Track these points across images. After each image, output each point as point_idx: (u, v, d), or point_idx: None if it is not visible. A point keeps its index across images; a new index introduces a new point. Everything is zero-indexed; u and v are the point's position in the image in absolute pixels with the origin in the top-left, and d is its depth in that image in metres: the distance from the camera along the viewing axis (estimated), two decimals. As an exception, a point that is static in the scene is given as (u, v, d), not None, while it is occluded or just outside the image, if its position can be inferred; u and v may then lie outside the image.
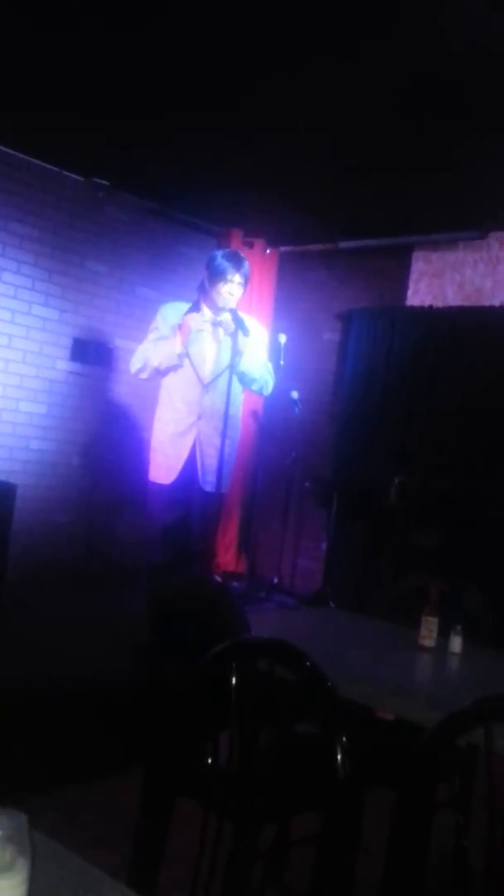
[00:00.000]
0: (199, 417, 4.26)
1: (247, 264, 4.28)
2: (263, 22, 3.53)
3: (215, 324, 4.26)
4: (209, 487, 4.24)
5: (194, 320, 4.23)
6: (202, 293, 4.30)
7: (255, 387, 4.43)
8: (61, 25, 3.79)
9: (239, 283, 4.21)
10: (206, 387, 4.27)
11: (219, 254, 4.33)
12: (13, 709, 3.34)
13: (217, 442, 4.21)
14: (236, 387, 4.34)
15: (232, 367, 4.21)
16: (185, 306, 4.34)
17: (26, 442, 5.89)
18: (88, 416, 6.24)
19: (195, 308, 4.29)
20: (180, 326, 4.21)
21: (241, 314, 4.27)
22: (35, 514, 5.88)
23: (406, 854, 1.28)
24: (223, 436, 4.18)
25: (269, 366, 4.47)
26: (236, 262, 4.22)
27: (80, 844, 2.78)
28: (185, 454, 4.27)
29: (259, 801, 1.95)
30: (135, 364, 4.37)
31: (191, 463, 4.27)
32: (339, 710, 1.54)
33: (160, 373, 4.31)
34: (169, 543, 4.35)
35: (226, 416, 4.16)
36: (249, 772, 1.86)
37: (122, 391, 6.34)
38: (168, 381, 4.34)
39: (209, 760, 1.96)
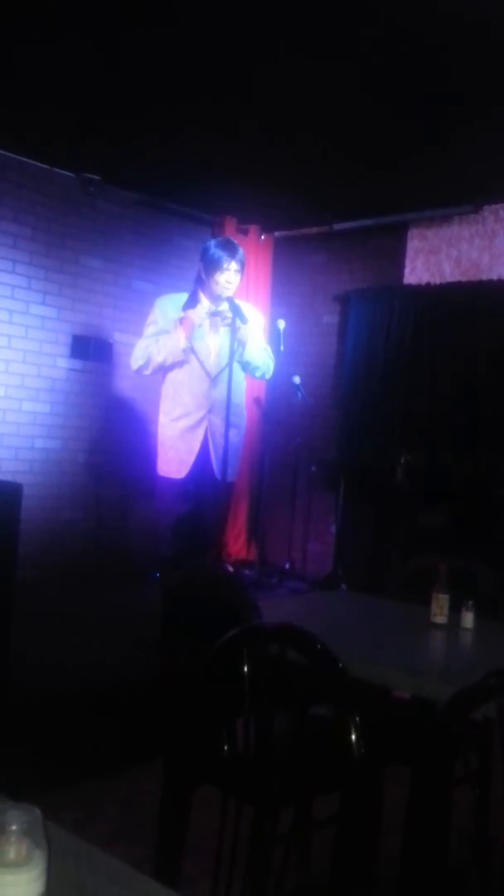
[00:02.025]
0: (210, 410, 4.26)
1: (241, 251, 4.27)
2: (249, 9, 3.51)
3: (214, 314, 4.26)
4: (223, 478, 4.27)
5: (196, 314, 4.22)
6: (199, 284, 4.30)
7: (258, 373, 4.43)
8: (47, 24, 3.77)
9: (235, 271, 4.20)
10: (214, 379, 4.27)
11: (212, 243, 4.31)
12: (32, 706, 3.36)
13: (227, 432, 4.23)
14: (238, 375, 4.34)
15: (233, 357, 4.21)
16: (182, 298, 4.32)
17: (31, 441, 5.90)
18: (92, 412, 6.24)
19: (193, 299, 4.28)
20: (182, 321, 4.20)
21: (238, 301, 4.26)
22: (43, 513, 5.90)
23: (424, 829, 1.28)
24: (227, 425, 4.19)
25: (269, 349, 4.47)
26: (231, 249, 4.21)
27: (105, 838, 2.82)
28: (196, 447, 4.27)
29: (277, 785, 1.96)
30: (136, 361, 4.34)
31: (202, 455, 4.28)
32: (352, 691, 1.54)
33: (164, 368, 4.29)
34: (182, 536, 4.36)
35: (228, 406, 4.17)
36: (266, 756, 1.86)
37: (124, 386, 6.34)
38: (174, 376, 4.32)
39: (225, 747, 1.96)
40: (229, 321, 4.18)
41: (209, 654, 1.80)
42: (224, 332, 4.26)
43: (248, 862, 1.64)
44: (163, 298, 4.41)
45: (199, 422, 4.28)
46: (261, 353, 4.35)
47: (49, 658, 3.95)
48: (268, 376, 4.54)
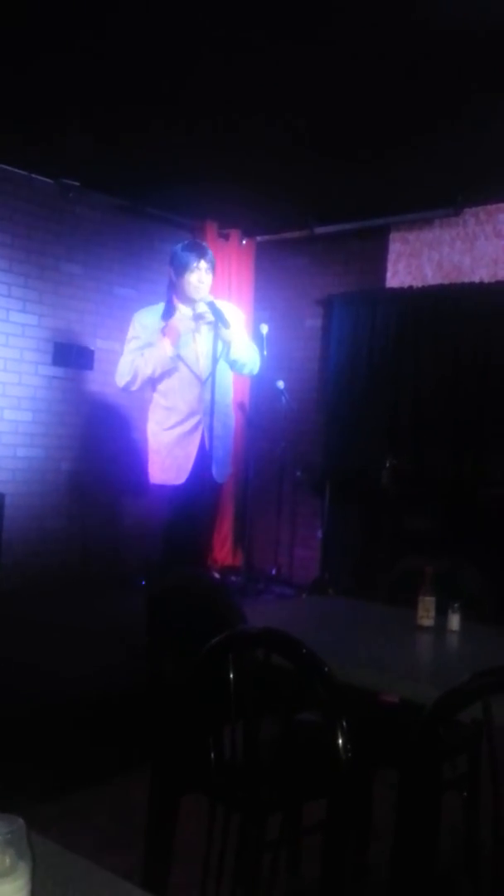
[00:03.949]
0: (204, 413, 4.24)
1: (210, 251, 4.29)
2: (224, 10, 3.51)
3: (196, 318, 4.25)
4: (222, 479, 4.31)
5: (179, 322, 4.21)
6: (172, 290, 4.29)
7: (245, 370, 4.44)
8: (22, 28, 3.75)
9: (206, 270, 4.21)
10: (205, 382, 4.26)
11: (179, 246, 4.32)
12: (19, 718, 3.33)
13: (222, 433, 4.25)
14: (226, 375, 4.35)
15: (216, 360, 4.20)
16: (159, 308, 4.31)
17: (13, 450, 5.86)
18: (75, 420, 6.21)
19: (170, 307, 4.27)
20: (165, 330, 4.19)
21: (217, 302, 4.27)
22: (27, 522, 5.86)
23: (413, 832, 1.27)
24: (210, 427, 4.20)
25: (254, 344, 4.47)
26: (199, 250, 4.24)
27: (95, 848, 2.79)
28: (194, 452, 4.26)
29: (265, 791, 1.95)
30: (123, 377, 4.29)
31: (199, 459, 4.27)
32: (338, 695, 1.53)
33: (154, 381, 4.28)
34: (173, 541, 4.33)
35: (212, 406, 4.17)
36: (254, 762, 1.85)
37: (107, 393, 6.31)
38: (164, 386, 4.30)
39: (212, 754, 1.94)
40: (212, 321, 4.19)
41: (195, 661, 1.78)
42: (207, 332, 4.26)
43: (236, 869, 1.63)
44: (140, 312, 4.39)
45: (196, 426, 4.27)
46: (247, 350, 4.36)
47: (34, 667, 3.92)
48: (255, 371, 4.54)
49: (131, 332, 4.32)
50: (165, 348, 4.17)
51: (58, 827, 2.86)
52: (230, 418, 4.45)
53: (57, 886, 1.05)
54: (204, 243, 4.37)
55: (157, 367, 4.20)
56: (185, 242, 4.47)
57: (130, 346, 4.28)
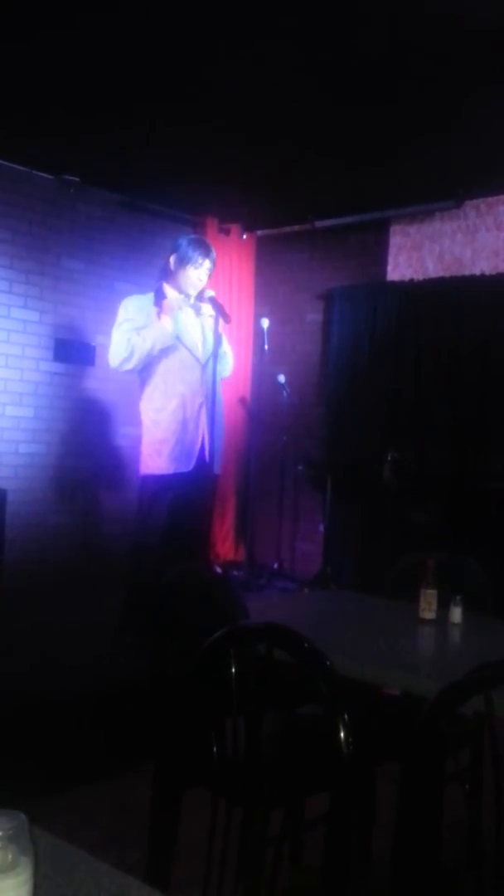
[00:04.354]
0: (206, 397, 4.17)
1: (214, 252, 4.27)
2: (225, 8, 3.50)
3: (194, 307, 4.24)
4: (217, 470, 4.25)
5: (173, 300, 4.16)
6: (165, 277, 4.23)
7: (227, 369, 4.41)
8: (21, 24, 3.74)
9: (208, 269, 4.20)
10: (204, 367, 4.21)
11: (185, 240, 4.26)
12: (21, 714, 3.33)
13: (217, 423, 4.22)
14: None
15: (216, 352, 4.20)
16: (149, 297, 4.23)
17: (15, 446, 5.86)
18: (76, 415, 6.21)
19: (160, 292, 4.20)
20: (159, 312, 4.11)
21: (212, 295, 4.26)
22: (29, 518, 5.87)
23: (415, 826, 1.27)
24: (212, 417, 4.15)
25: (229, 346, 4.46)
26: (205, 249, 4.21)
27: (99, 844, 2.79)
28: (199, 437, 4.17)
29: (268, 786, 1.95)
30: (118, 355, 4.11)
31: (200, 447, 4.20)
32: (340, 689, 1.53)
33: (152, 358, 4.13)
34: (175, 534, 4.27)
35: (213, 396, 4.15)
36: (256, 757, 1.85)
37: (108, 388, 6.31)
38: (163, 367, 4.14)
39: (215, 749, 1.95)
40: (212, 315, 4.18)
41: (196, 656, 1.78)
42: (201, 323, 4.25)
43: (239, 864, 1.63)
44: (130, 298, 4.27)
45: (199, 410, 4.19)
46: (229, 350, 4.39)
47: (36, 663, 3.92)
48: (227, 375, 4.48)
49: (122, 315, 4.17)
50: (165, 324, 4.09)
51: (60, 822, 2.86)
52: (222, 408, 4.36)
53: (59, 882, 1.05)
54: (207, 241, 4.35)
55: (156, 343, 4.05)
56: (193, 237, 4.43)
57: (123, 327, 4.13)
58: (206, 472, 4.22)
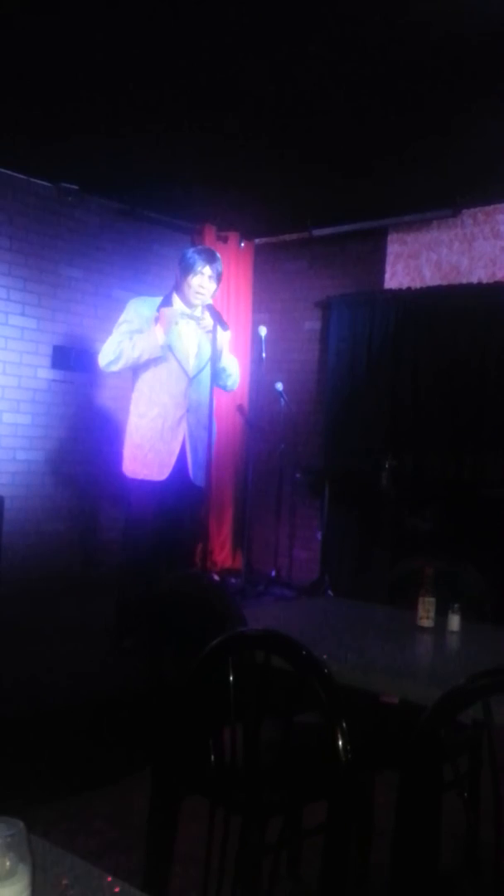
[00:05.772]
0: (188, 410, 4.22)
1: (220, 261, 4.25)
2: (222, 15, 3.51)
3: (192, 318, 4.24)
4: (199, 482, 4.22)
5: (171, 312, 4.18)
6: (176, 289, 4.28)
7: (230, 381, 4.40)
8: (21, 33, 3.75)
9: (210, 277, 4.18)
10: (192, 380, 4.24)
11: (190, 249, 4.31)
12: (19, 721, 3.32)
13: (203, 436, 4.20)
14: (206, 384, 4.31)
15: (215, 360, 4.18)
16: (156, 301, 4.28)
17: (12, 453, 5.86)
18: (74, 423, 6.21)
19: (168, 300, 4.24)
20: (157, 318, 4.15)
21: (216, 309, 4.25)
22: (26, 525, 5.86)
23: (413, 834, 1.27)
24: (209, 430, 4.18)
25: (235, 360, 4.45)
26: (208, 255, 4.21)
27: (96, 851, 2.79)
28: (177, 448, 4.21)
29: (266, 794, 1.94)
30: (106, 356, 4.17)
31: (180, 458, 4.22)
32: (338, 697, 1.53)
33: (139, 366, 4.19)
34: (159, 542, 4.28)
35: (211, 410, 4.15)
36: (254, 765, 1.84)
37: (106, 395, 6.32)
38: (150, 375, 4.22)
39: (212, 757, 1.94)
40: (209, 329, 4.16)
41: (194, 663, 1.78)
42: (202, 335, 4.25)
43: (237, 872, 1.63)
44: (136, 300, 4.33)
45: (179, 421, 4.22)
46: (234, 362, 4.36)
47: (34, 671, 3.91)
48: (235, 388, 4.52)
49: (123, 316, 4.25)
50: (157, 334, 4.12)
51: (58, 830, 2.86)
52: (213, 423, 4.36)
53: (57, 890, 1.05)
54: (214, 251, 4.33)
55: (144, 352, 4.11)
56: (198, 247, 4.45)
57: (121, 328, 4.20)
58: (189, 484, 4.22)
